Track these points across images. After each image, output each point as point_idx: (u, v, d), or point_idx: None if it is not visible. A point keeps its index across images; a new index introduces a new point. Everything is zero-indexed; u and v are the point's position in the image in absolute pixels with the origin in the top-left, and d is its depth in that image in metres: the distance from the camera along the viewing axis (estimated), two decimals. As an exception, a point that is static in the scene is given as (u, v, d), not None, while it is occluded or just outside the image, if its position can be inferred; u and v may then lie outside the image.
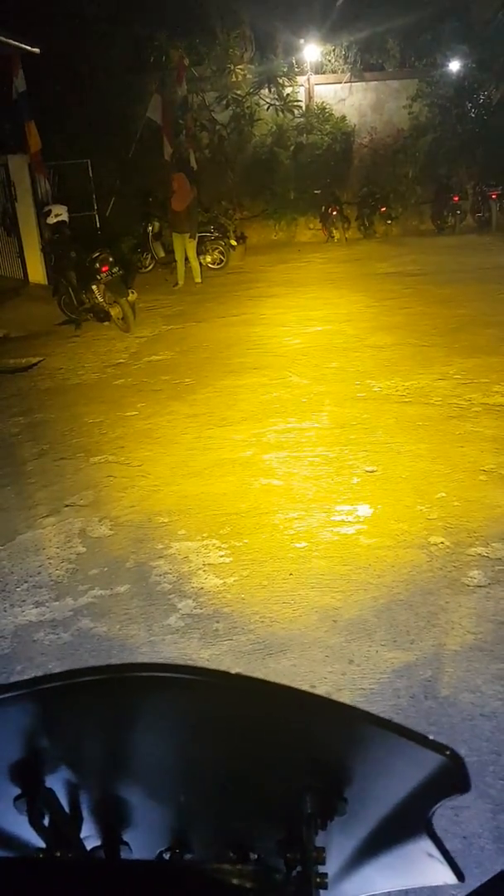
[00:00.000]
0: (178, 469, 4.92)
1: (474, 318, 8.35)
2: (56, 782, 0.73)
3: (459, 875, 0.74)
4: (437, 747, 0.67)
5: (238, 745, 0.74)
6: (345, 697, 2.75)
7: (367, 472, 4.63)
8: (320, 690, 2.80)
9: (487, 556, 3.59)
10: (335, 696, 2.76)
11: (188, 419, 5.85)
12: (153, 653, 3.10)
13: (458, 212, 16.49)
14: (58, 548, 4.02)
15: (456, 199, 16.46)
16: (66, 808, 0.74)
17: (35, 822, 0.70)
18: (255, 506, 4.32)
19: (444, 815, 2.23)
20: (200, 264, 12.64)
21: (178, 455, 5.16)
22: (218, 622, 3.28)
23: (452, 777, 0.67)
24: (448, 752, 0.66)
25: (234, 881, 0.65)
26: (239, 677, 0.69)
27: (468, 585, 3.39)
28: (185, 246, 12.08)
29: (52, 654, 3.13)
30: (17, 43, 10.90)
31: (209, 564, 3.74)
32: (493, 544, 3.69)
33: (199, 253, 13.91)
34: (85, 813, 0.76)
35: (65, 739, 0.73)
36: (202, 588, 3.55)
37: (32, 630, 3.32)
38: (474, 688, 2.75)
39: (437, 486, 4.37)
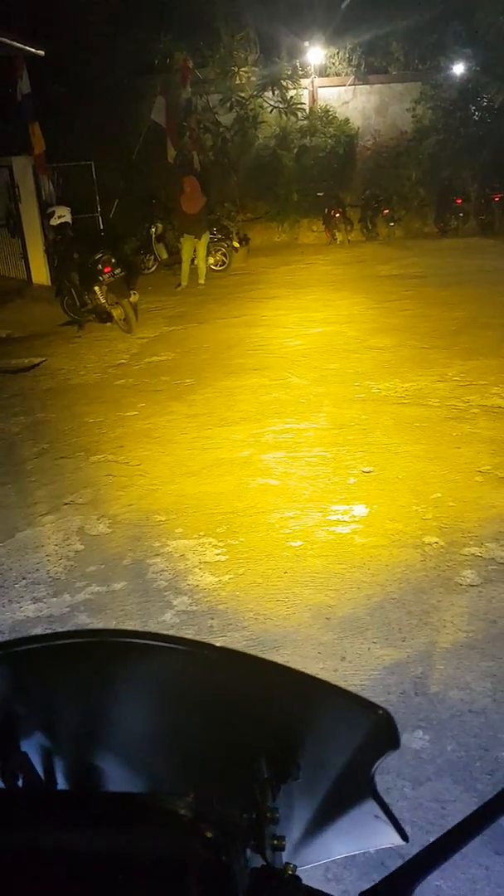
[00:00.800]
0: (177, 468, 4.96)
1: (474, 320, 8.38)
2: (30, 744, 0.77)
3: (404, 836, 0.77)
4: (370, 706, 0.70)
5: (201, 711, 0.77)
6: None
7: (364, 472, 4.67)
8: (312, 686, 2.83)
9: (481, 556, 3.63)
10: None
11: (188, 419, 5.89)
12: (148, 649, 3.13)
13: (462, 214, 16.52)
14: (56, 545, 4.06)
15: (459, 201, 16.49)
16: (41, 770, 0.78)
17: (8, 784, 0.73)
18: (251, 505, 4.35)
19: (430, 808, 2.27)
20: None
21: (177, 455, 5.20)
22: (212, 619, 3.32)
23: (385, 734, 0.70)
24: (381, 711, 0.70)
25: (205, 820, 0.68)
26: (202, 644, 0.73)
27: (461, 584, 3.42)
28: (193, 247, 12.09)
29: (48, 650, 3.16)
30: (21, 45, 10.96)
31: (205, 562, 3.78)
32: (487, 544, 3.73)
33: (202, 255, 13.98)
34: (59, 774, 0.79)
35: (39, 702, 0.76)
36: (198, 585, 3.58)
37: (30, 626, 3.36)
38: (464, 685, 2.79)
39: (433, 486, 4.40)
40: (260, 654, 2.83)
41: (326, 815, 0.81)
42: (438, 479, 4.50)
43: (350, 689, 2.49)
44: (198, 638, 3.15)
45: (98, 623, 3.33)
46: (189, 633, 3.21)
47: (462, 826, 0.71)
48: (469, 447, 4.90)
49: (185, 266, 12.27)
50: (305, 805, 0.81)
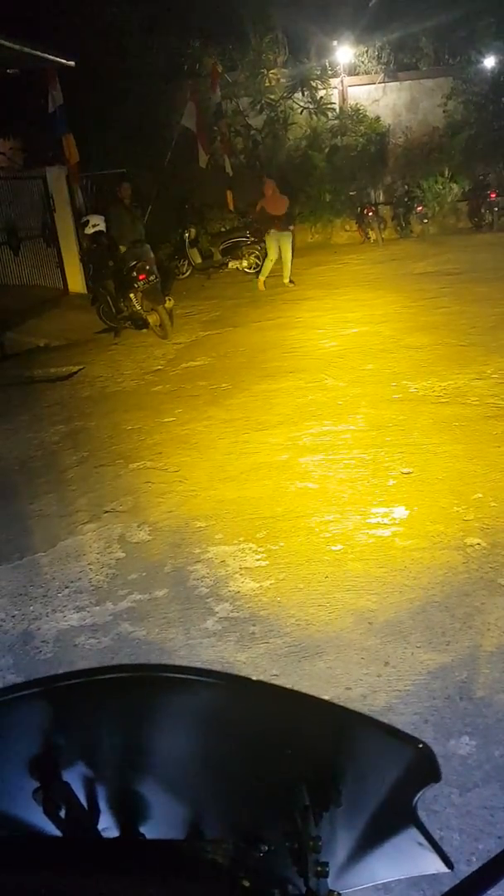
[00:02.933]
0: (215, 474, 4.98)
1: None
2: (73, 776, 0.78)
3: (448, 864, 0.77)
4: (410, 740, 0.71)
5: (242, 741, 0.78)
6: (380, 699, 2.77)
7: (403, 473, 4.64)
8: (356, 692, 2.82)
9: (524, 557, 3.58)
10: (371, 698, 2.78)
11: (225, 424, 5.91)
12: (191, 656, 3.15)
13: (496, 209, 16.31)
14: (98, 553, 4.10)
15: (493, 195, 16.29)
16: (83, 801, 0.79)
17: (51, 813, 0.74)
18: (290, 509, 4.35)
19: (478, 815, 2.24)
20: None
21: (215, 460, 5.22)
22: (254, 625, 3.32)
23: (425, 768, 0.71)
24: (420, 745, 0.70)
25: (244, 867, 0.70)
26: (240, 679, 0.73)
27: (504, 586, 3.38)
28: (280, 244, 12.08)
29: (92, 659, 3.20)
30: (52, 57, 11.10)
31: (245, 568, 3.79)
32: (530, 545, 3.67)
33: (235, 258, 14.01)
34: (101, 805, 0.80)
35: (81, 735, 0.78)
36: (239, 591, 3.59)
37: (74, 634, 3.40)
38: (510, 689, 2.75)
39: (473, 486, 4.36)
40: (302, 660, 2.84)
41: (369, 841, 0.81)
42: (479, 478, 4.45)
43: (395, 694, 2.48)
44: (239, 644, 3.16)
45: (141, 631, 3.36)
46: (231, 640, 3.22)
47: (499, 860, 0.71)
48: (510, 446, 4.83)
49: (268, 266, 12.29)
50: (348, 831, 0.81)
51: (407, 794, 0.73)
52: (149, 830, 0.82)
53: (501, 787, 2.34)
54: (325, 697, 2.76)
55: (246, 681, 0.74)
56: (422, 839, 0.75)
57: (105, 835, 0.82)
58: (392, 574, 3.58)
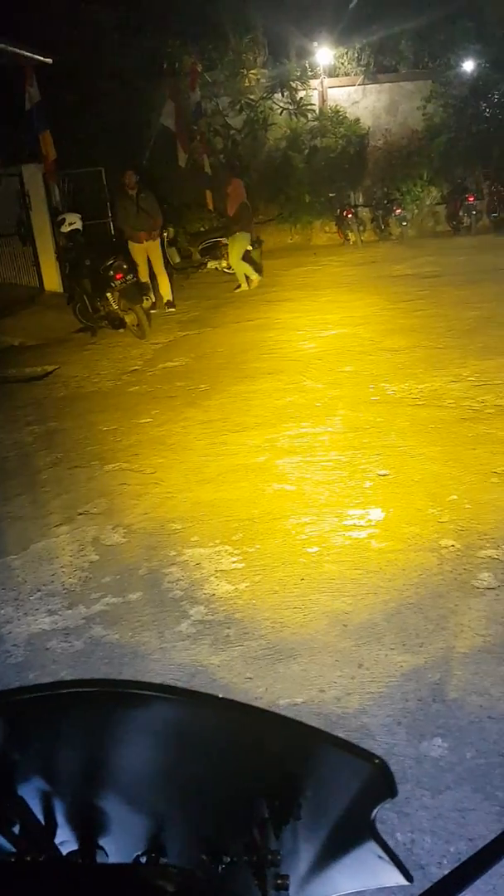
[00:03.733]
0: (192, 476, 4.95)
1: (490, 319, 8.32)
2: (28, 791, 0.76)
3: (408, 876, 0.77)
4: (367, 756, 0.70)
5: (203, 756, 0.77)
6: (354, 701, 2.77)
7: (380, 475, 4.64)
8: (329, 695, 2.82)
9: (498, 559, 3.59)
10: (344, 700, 2.78)
11: (202, 425, 5.89)
12: (165, 659, 3.13)
13: (474, 212, 16.40)
14: (71, 556, 4.06)
15: (471, 199, 16.39)
16: (40, 816, 0.77)
17: (3, 830, 0.72)
18: (267, 511, 4.34)
19: (450, 817, 2.24)
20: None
21: (192, 462, 5.19)
22: (229, 628, 3.30)
23: (381, 783, 0.70)
24: (377, 761, 0.69)
25: (204, 882, 0.69)
26: (200, 695, 0.72)
27: (478, 588, 3.39)
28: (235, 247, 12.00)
29: (64, 662, 3.17)
30: (30, 54, 11.02)
31: (221, 570, 3.77)
32: (504, 547, 3.69)
33: (214, 258, 13.99)
34: (60, 819, 0.79)
35: (38, 750, 0.76)
36: (214, 594, 3.57)
37: (45, 638, 3.36)
38: (482, 690, 2.76)
39: (449, 488, 4.37)
40: (277, 663, 2.83)
41: (329, 854, 0.81)
42: (454, 481, 4.46)
43: (368, 696, 2.47)
44: (213, 647, 3.14)
45: (114, 635, 3.33)
46: (205, 643, 3.20)
47: (469, 863, 0.70)
48: (484, 448, 4.86)
49: (240, 269, 12.18)
50: (309, 844, 0.80)
51: (365, 809, 0.73)
52: (108, 843, 0.81)
53: (473, 789, 2.34)
54: (300, 700, 2.77)
55: (206, 697, 0.73)
56: (381, 852, 0.75)
57: (63, 849, 0.80)
58: (367, 576, 3.58)
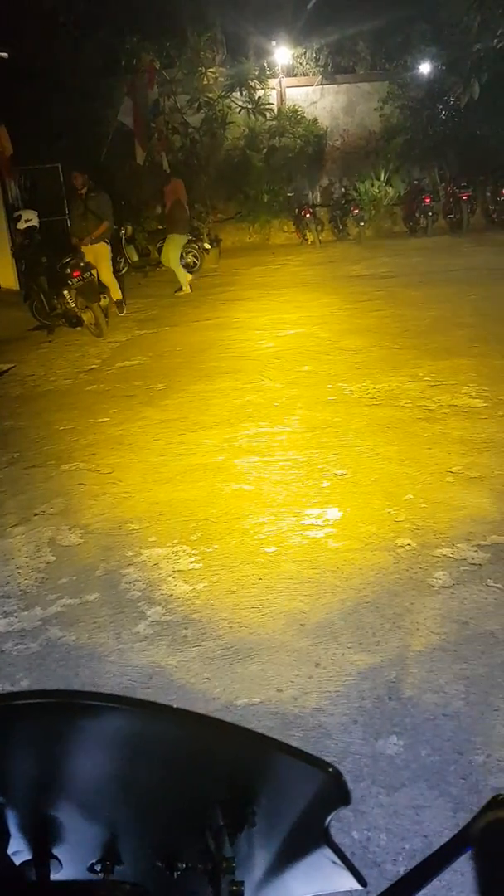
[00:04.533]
0: (150, 475, 4.93)
1: (445, 319, 8.43)
2: None
3: (362, 881, 0.78)
4: (321, 765, 0.71)
5: (157, 764, 0.77)
6: (311, 701, 2.79)
7: (337, 475, 4.67)
8: (287, 694, 2.83)
9: (452, 557, 3.64)
10: (301, 700, 2.79)
11: (160, 425, 5.87)
12: (122, 661, 3.11)
13: (430, 213, 16.61)
14: (27, 557, 4.02)
15: (427, 200, 16.59)
16: None
17: None
18: (225, 511, 4.34)
19: (405, 814, 2.27)
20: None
21: (150, 461, 5.17)
22: (187, 628, 3.30)
23: (336, 791, 0.71)
24: (330, 769, 0.70)
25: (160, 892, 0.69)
26: (155, 705, 0.73)
27: (433, 586, 3.43)
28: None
29: (19, 665, 3.13)
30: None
31: (179, 571, 3.76)
32: (458, 545, 3.74)
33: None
34: (13, 830, 0.78)
35: None
36: (171, 595, 3.56)
37: (1, 640, 3.32)
38: (437, 688, 2.79)
39: (405, 488, 4.42)
40: (234, 663, 2.83)
41: (284, 860, 0.81)
42: (410, 480, 4.51)
43: (325, 695, 2.49)
44: (171, 648, 3.14)
45: (71, 636, 3.30)
46: (163, 644, 3.20)
47: (420, 868, 0.72)
48: (440, 448, 4.92)
49: (179, 271, 12.01)
50: (264, 850, 0.81)
51: (320, 816, 0.74)
52: (62, 853, 0.81)
53: (428, 786, 2.37)
54: (257, 700, 2.78)
55: (160, 707, 0.73)
56: (335, 858, 0.75)
57: (16, 859, 0.79)
58: (324, 575, 3.61)
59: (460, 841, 0.70)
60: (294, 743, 2.55)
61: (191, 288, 11.81)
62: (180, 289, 11.76)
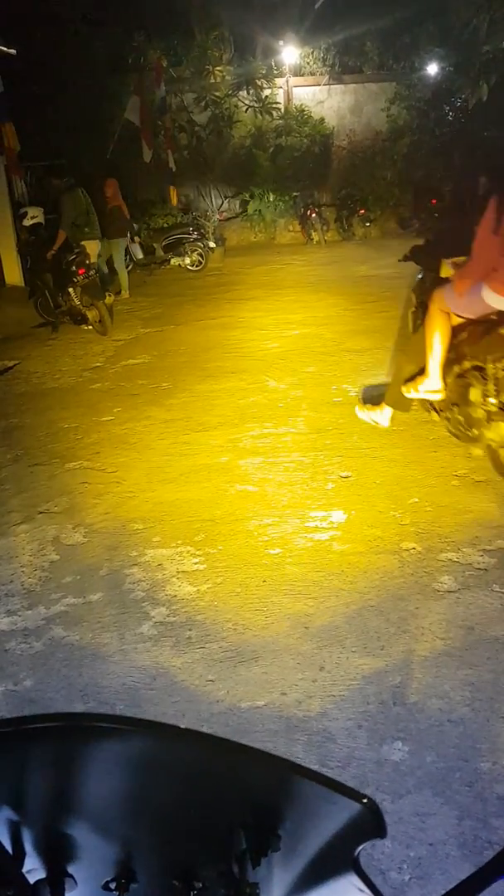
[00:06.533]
0: (154, 475, 4.92)
1: (450, 321, 8.39)
2: None
3: None
4: (355, 795, 0.70)
5: (179, 786, 0.76)
6: (315, 705, 2.77)
7: (342, 477, 4.66)
8: (291, 698, 2.82)
9: (458, 562, 3.63)
10: (305, 703, 2.78)
11: (164, 424, 5.85)
12: (126, 661, 3.10)
13: (436, 215, 16.54)
14: (31, 555, 4.01)
15: (434, 202, 16.53)
16: (8, 845, 0.76)
17: None
18: (229, 512, 4.33)
19: (410, 822, 2.26)
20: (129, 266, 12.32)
21: (154, 461, 5.16)
22: (190, 630, 3.29)
23: (370, 823, 0.70)
24: (366, 801, 0.69)
25: None
26: (176, 729, 0.72)
27: (438, 591, 3.42)
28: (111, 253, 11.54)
29: (23, 664, 3.12)
30: (-7, 44, 10.85)
31: (183, 572, 3.75)
32: (464, 549, 3.73)
33: (177, 254, 13.92)
34: (28, 848, 0.77)
35: (4, 781, 0.74)
36: (175, 596, 3.55)
37: (4, 639, 3.31)
38: (443, 693, 2.78)
39: (410, 491, 4.41)
40: (238, 665, 2.82)
41: (307, 884, 0.80)
42: (416, 483, 4.50)
43: (329, 699, 2.47)
44: (175, 649, 3.13)
45: (74, 636, 3.29)
46: (166, 645, 3.19)
47: (456, 892, 0.70)
48: (445, 451, 4.90)
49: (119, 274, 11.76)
50: (286, 873, 0.80)
51: (350, 845, 0.73)
52: (77, 871, 0.80)
53: (433, 793, 2.36)
54: (261, 703, 2.77)
55: (177, 730, 0.72)
56: (362, 885, 0.74)
57: (31, 877, 0.78)
58: (329, 578, 3.59)
59: (496, 866, 0.69)
60: (298, 747, 2.55)
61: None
62: (119, 293, 11.45)
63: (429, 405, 4.80)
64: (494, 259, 3.93)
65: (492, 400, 4.09)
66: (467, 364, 4.27)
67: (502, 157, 6.23)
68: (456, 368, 4.38)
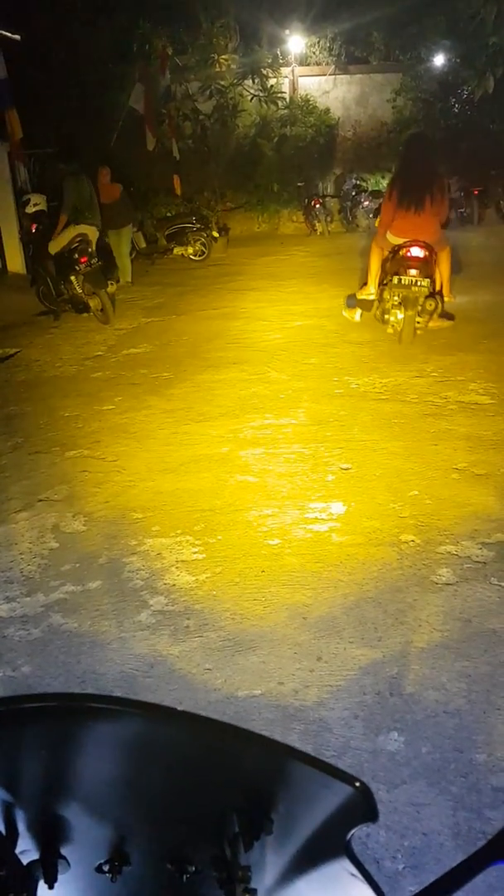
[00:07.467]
0: (154, 465, 4.93)
1: (455, 314, 8.37)
2: None
3: (380, 894, 0.77)
4: (348, 779, 0.70)
5: (173, 768, 0.77)
6: (312, 694, 2.79)
7: (342, 469, 4.66)
8: (288, 687, 2.83)
9: (456, 554, 3.64)
10: (302, 693, 2.79)
11: (165, 414, 5.85)
12: (123, 649, 3.12)
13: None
14: (30, 543, 4.02)
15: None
16: (1, 826, 0.76)
17: None
18: (229, 502, 4.33)
19: (405, 812, 2.27)
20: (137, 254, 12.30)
21: (155, 450, 5.16)
22: (189, 619, 3.30)
23: (363, 806, 0.70)
24: (358, 784, 0.69)
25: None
26: (170, 710, 0.72)
27: (437, 583, 3.43)
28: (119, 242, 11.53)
29: (21, 651, 3.14)
30: (-3, 30, 10.80)
31: (182, 561, 3.76)
32: (463, 542, 3.74)
33: (180, 244, 13.88)
34: (21, 829, 0.78)
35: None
36: (174, 584, 3.56)
37: (2, 626, 3.32)
38: (439, 685, 2.79)
39: (410, 483, 4.41)
40: (236, 654, 2.83)
41: (300, 870, 0.81)
42: (416, 476, 4.50)
43: (326, 689, 2.48)
44: (172, 637, 3.14)
45: (73, 623, 3.31)
46: (164, 633, 3.20)
47: (445, 879, 0.71)
48: (446, 444, 4.91)
49: (123, 262, 11.73)
50: (279, 858, 0.80)
51: (342, 829, 0.73)
52: (70, 853, 0.80)
53: (428, 783, 2.37)
54: (258, 692, 2.78)
55: (172, 711, 0.72)
56: (354, 870, 0.75)
57: (24, 858, 0.79)
58: (328, 569, 3.60)
59: (489, 852, 0.69)
60: (294, 736, 2.56)
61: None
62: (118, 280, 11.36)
63: (376, 306, 7.47)
64: (390, 216, 7.19)
65: (396, 298, 7.03)
66: (384, 278, 7.22)
67: (407, 150, 7.65)
68: (382, 280, 7.28)
